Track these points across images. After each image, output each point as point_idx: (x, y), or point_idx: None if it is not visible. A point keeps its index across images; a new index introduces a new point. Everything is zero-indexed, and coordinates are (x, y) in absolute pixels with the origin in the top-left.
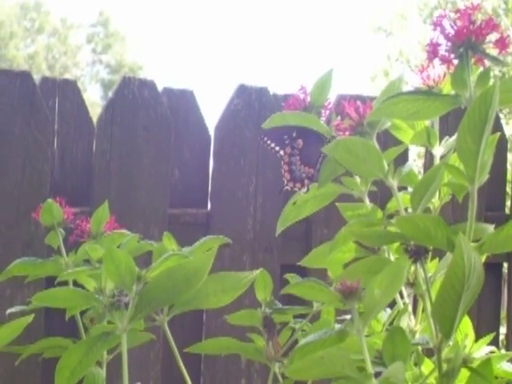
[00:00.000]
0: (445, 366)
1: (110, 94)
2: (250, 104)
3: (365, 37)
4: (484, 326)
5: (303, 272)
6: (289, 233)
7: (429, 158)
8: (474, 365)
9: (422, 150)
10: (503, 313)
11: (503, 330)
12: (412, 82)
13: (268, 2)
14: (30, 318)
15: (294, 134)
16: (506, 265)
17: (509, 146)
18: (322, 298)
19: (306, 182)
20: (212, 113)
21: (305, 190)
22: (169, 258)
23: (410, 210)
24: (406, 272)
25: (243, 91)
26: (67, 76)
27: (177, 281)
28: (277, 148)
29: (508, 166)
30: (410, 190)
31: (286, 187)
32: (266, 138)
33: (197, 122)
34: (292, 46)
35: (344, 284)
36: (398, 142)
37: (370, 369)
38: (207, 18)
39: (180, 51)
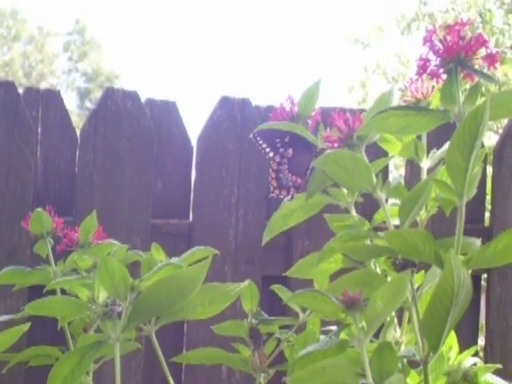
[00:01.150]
0: (431, 379)
1: (93, 104)
2: (233, 116)
3: (342, 48)
4: (462, 338)
5: (284, 284)
6: (270, 244)
7: (409, 170)
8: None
9: (398, 161)
10: (481, 324)
11: (480, 341)
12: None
13: (247, 13)
14: (26, 326)
15: (287, 140)
16: (484, 276)
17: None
18: (325, 308)
19: (292, 190)
20: (194, 124)
21: (289, 197)
22: (162, 268)
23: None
24: (407, 287)
25: (226, 103)
26: (44, 84)
27: (170, 291)
28: (267, 149)
29: (487, 179)
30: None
31: (272, 194)
32: (258, 138)
33: (179, 134)
34: (270, 57)
35: (346, 295)
36: (378, 152)
37: (371, 380)
38: (187, 28)
39: (158, 60)
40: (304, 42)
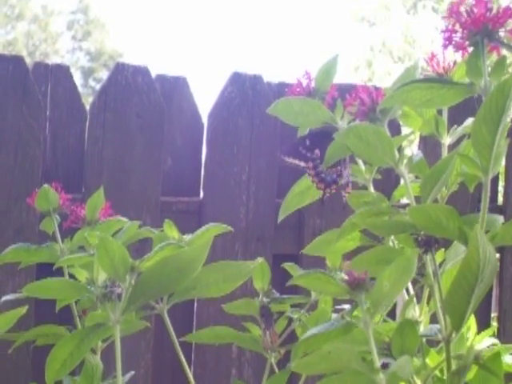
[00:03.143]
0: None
1: (97, 82)
2: (244, 92)
3: (348, 26)
4: (475, 319)
5: (296, 262)
6: (281, 222)
7: (422, 147)
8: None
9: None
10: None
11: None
12: (395, 73)
13: None
14: (23, 310)
15: (308, 143)
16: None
17: None
18: (329, 289)
19: (339, 179)
20: (205, 100)
21: (336, 187)
22: (163, 247)
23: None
24: (415, 265)
25: (237, 79)
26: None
27: (171, 271)
28: (299, 163)
29: None
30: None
31: (326, 196)
32: (286, 157)
33: (190, 110)
34: (275, 34)
35: (351, 275)
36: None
37: (377, 362)
38: (194, 5)
39: (163, 39)
40: (311, 19)
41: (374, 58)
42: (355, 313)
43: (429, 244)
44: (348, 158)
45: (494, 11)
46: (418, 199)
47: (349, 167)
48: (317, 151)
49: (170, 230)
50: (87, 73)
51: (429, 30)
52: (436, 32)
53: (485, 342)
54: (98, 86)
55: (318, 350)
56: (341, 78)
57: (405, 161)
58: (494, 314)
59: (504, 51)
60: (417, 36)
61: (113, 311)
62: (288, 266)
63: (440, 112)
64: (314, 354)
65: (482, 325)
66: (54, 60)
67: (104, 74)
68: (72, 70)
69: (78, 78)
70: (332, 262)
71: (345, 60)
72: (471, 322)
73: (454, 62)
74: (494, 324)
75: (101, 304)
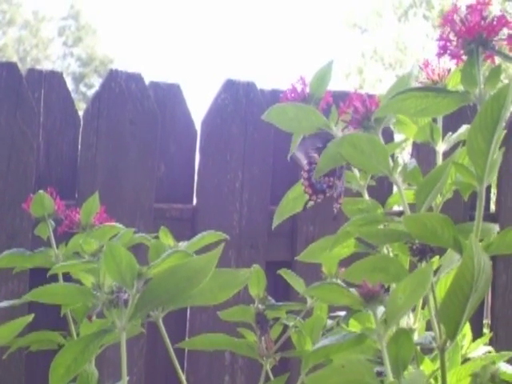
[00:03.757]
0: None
1: (88, 87)
2: (238, 99)
3: (339, 33)
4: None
5: (289, 269)
6: (274, 229)
7: (415, 154)
8: (476, 366)
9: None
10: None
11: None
12: (386, 79)
13: None
14: (29, 318)
15: (320, 145)
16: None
17: None
18: (343, 300)
19: (327, 190)
20: (198, 107)
21: (322, 198)
22: (171, 255)
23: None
24: (431, 279)
25: (230, 86)
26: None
27: (179, 280)
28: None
29: None
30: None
31: (311, 202)
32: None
33: (183, 117)
34: (268, 41)
35: (365, 287)
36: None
37: (391, 377)
38: (187, 11)
39: (155, 45)
40: (304, 25)
41: (365, 64)
42: (361, 322)
43: (423, 253)
44: (343, 169)
45: (489, 20)
46: (411, 206)
47: (343, 178)
48: (315, 156)
49: (166, 238)
50: (78, 78)
51: (420, 37)
52: (427, 39)
53: (479, 349)
54: (88, 92)
55: (330, 364)
56: (332, 84)
57: (399, 169)
58: (485, 321)
59: (499, 60)
60: (408, 43)
61: (119, 318)
62: (283, 272)
63: (435, 119)
64: (326, 367)
65: (475, 332)
66: (44, 66)
67: (95, 80)
68: (63, 75)
69: (68, 84)
70: (328, 269)
71: (336, 66)
72: (466, 329)
73: (449, 70)
74: (486, 331)
75: (107, 310)
